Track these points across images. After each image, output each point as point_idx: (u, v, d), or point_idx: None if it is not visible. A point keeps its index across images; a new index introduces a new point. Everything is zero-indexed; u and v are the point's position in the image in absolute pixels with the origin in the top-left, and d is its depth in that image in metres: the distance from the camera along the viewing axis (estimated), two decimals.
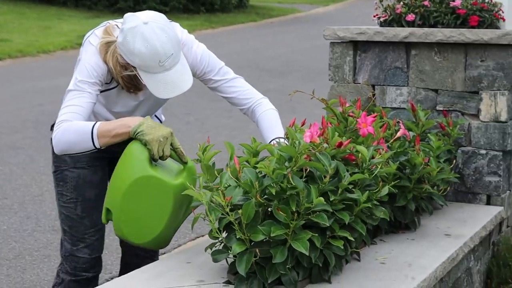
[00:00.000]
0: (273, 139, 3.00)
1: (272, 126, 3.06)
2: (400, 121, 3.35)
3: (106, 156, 3.13)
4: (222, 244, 2.56)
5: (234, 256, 2.50)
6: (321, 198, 2.45)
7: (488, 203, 3.77)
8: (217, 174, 2.63)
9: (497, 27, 3.93)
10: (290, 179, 2.44)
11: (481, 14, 3.87)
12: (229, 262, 2.59)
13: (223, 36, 16.85)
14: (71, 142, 2.73)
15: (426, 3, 3.98)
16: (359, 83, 3.96)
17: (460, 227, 3.33)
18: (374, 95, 3.91)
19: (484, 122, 3.72)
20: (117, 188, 2.72)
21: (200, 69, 3.03)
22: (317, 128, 2.71)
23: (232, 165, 2.60)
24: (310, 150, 2.52)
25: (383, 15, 4.11)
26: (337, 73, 4.01)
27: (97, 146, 2.73)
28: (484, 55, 3.70)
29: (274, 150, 2.55)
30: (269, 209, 2.50)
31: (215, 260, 2.58)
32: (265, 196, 2.49)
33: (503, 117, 3.68)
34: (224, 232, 2.52)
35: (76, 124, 2.74)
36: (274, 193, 2.43)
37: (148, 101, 3.04)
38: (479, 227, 3.35)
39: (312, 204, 2.44)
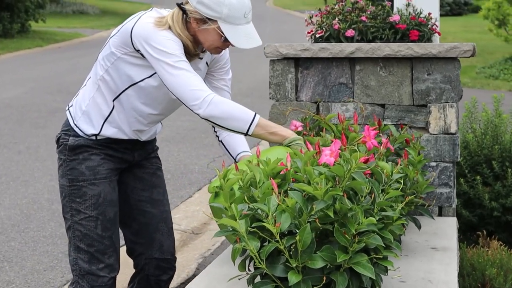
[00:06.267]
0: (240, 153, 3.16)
1: (240, 140, 3.19)
2: (382, 135, 3.30)
3: (122, 168, 3.07)
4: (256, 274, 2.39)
5: (277, 286, 2.34)
6: (372, 219, 2.34)
7: (440, 214, 3.81)
8: (247, 200, 2.45)
9: (432, 41, 4.01)
10: (346, 200, 2.31)
11: (420, 29, 3.93)
12: None
13: (12, 62, 16.43)
14: (230, 113, 2.75)
15: (363, 18, 3.98)
16: (302, 101, 3.88)
17: (437, 240, 3.33)
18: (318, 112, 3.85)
19: (434, 134, 3.76)
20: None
21: (223, 62, 3.16)
22: (338, 146, 2.60)
23: (266, 187, 2.44)
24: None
25: (319, 32, 4.06)
26: (279, 91, 3.90)
27: (250, 131, 2.77)
28: (431, 69, 3.75)
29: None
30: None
31: None
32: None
33: (453, 129, 3.74)
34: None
35: (234, 103, 2.80)
36: (332, 216, 2.29)
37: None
38: (454, 238, 3.37)
39: (361, 225, 2.32)
